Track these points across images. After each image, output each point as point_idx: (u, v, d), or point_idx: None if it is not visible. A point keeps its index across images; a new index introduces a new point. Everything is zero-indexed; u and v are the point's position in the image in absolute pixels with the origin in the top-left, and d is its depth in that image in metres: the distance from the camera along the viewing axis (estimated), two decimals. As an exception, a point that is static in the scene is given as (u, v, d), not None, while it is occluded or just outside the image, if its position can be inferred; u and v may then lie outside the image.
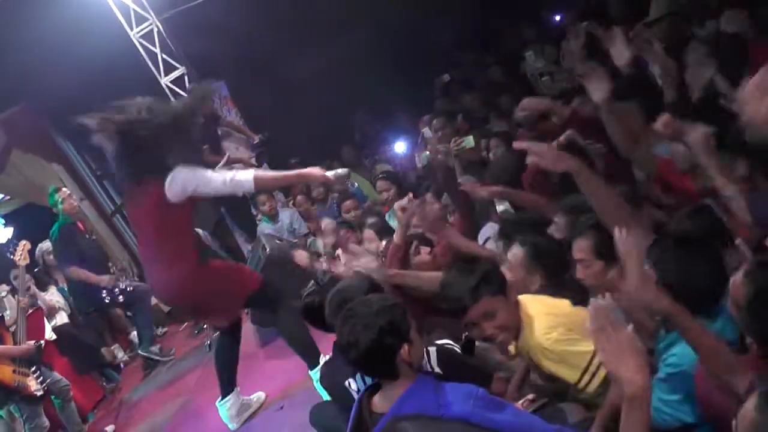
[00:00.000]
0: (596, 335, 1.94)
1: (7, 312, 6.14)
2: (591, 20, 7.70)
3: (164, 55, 8.97)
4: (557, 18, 8.90)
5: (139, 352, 7.48)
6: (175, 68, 9.03)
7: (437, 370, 2.86)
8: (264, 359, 6.31)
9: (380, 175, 6.60)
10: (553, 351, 2.68)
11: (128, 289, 7.30)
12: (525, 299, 2.91)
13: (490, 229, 4.52)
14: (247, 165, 8.62)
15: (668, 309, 2.11)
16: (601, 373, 2.54)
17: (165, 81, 8.96)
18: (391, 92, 9.80)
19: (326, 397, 3.86)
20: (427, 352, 2.88)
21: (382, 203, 6.46)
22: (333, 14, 10.06)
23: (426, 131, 7.61)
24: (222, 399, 5.02)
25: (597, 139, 4.33)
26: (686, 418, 2.36)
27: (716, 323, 2.36)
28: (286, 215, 7.52)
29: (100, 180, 11.24)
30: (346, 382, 3.03)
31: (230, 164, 8.34)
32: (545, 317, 2.78)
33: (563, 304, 2.90)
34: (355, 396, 2.79)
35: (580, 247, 2.94)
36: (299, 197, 8.08)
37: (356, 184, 8.10)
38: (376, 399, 2.48)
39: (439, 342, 3.23)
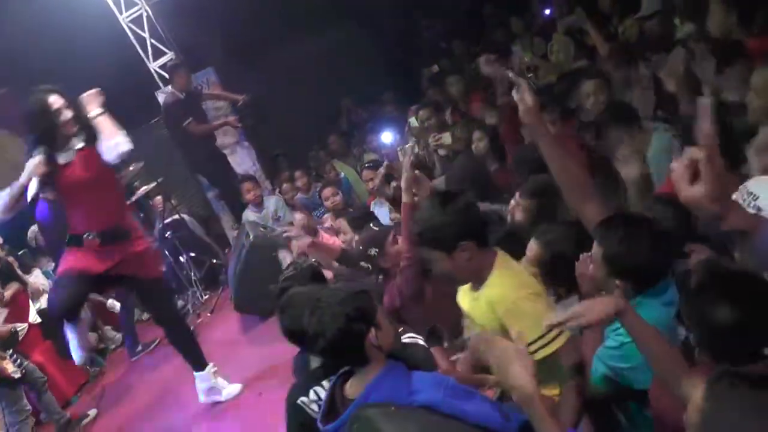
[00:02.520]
0: (486, 357, 2.11)
1: None
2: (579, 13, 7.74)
3: (153, 40, 9.01)
4: (547, 12, 8.88)
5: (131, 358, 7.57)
6: (164, 53, 9.09)
7: None
8: (246, 345, 6.44)
9: (366, 164, 6.65)
10: (519, 306, 2.71)
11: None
12: (506, 257, 2.90)
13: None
14: (234, 127, 8.80)
15: (622, 310, 2.17)
16: (555, 345, 2.62)
17: (153, 66, 9.03)
18: (379, 81, 9.93)
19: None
20: None
21: (368, 192, 6.52)
22: (323, 2, 10.16)
23: (412, 121, 7.66)
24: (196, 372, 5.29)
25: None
26: (637, 384, 2.44)
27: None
28: (272, 203, 7.54)
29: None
30: (299, 401, 2.91)
31: (218, 128, 8.49)
32: (523, 275, 2.85)
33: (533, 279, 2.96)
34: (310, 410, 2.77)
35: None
36: (285, 185, 8.13)
37: (343, 173, 8.18)
38: (348, 385, 2.46)
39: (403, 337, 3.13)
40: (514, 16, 9.07)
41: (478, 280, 2.84)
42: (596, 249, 2.57)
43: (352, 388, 2.41)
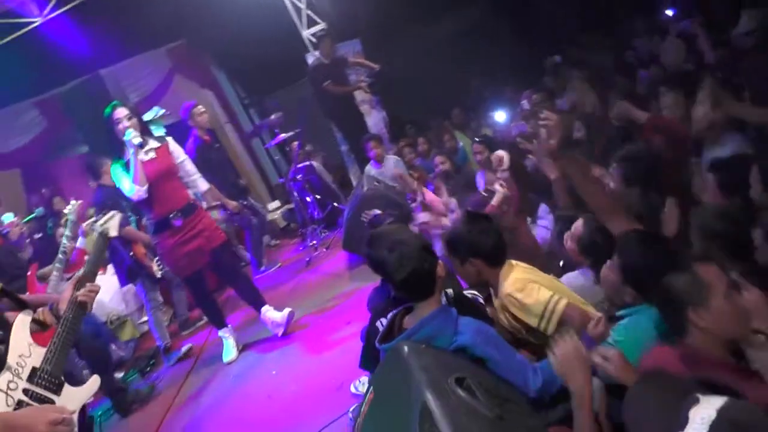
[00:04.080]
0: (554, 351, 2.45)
1: None
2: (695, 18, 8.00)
3: (308, 11, 9.87)
4: (669, 12, 9.18)
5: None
6: (317, 23, 9.92)
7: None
8: (346, 279, 7.09)
9: (476, 139, 7.01)
10: (516, 298, 3.06)
11: (245, 217, 8.30)
12: (517, 263, 3.27)
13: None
14: (364, 91, 9.63)
15: (581, 402, 2.38)
16: (555, 318, 2.97)
17: (306, 33, 9.91)
18: (503, 63, 10.35)
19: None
20: (446, 293, 3.12)
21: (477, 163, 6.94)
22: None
23: (524, 103, 8.13)
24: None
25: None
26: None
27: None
28: (391, 162, 8.01)
29: (246, 107, 12.52)
30: (377, 323, 3.27)
31: (351, 91, 9.37)
32: (520, 272, 3.17)
33: (545, 275, 3.29)
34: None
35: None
36: (406, 149, 8.97)
37: (462, 143, 8.86)
38: (407, 317, 2.74)
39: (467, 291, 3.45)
40: (640, 13, 9.41)
41: (493, 289, 3.27)
42: (616, 259, 2.85)
43: (409, 320, 2.72)
